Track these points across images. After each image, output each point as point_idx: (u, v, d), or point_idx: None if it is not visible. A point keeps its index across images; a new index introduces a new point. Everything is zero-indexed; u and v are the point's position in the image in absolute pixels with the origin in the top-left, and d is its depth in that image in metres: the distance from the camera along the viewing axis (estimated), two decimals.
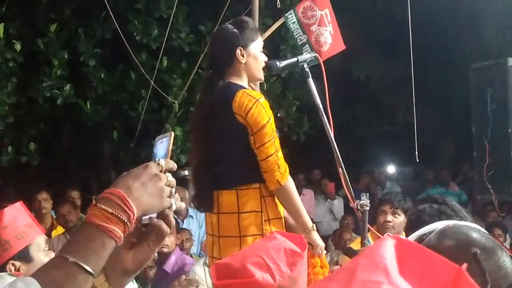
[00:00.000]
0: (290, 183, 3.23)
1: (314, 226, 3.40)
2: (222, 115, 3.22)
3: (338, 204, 9.20)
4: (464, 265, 0.85)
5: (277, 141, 3.21)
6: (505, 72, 5.07)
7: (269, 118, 3.16)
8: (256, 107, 3.14)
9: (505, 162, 5.09)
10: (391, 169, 11.90)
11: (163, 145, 1.51)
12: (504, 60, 5.12)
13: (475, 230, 1.48)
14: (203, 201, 3.37)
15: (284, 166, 3.20)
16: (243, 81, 3.31)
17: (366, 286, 0.81)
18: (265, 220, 3.22)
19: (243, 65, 3.29)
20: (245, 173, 3.24)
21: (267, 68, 3.36)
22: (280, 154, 3.20)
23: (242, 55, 3.27)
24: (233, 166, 3.26)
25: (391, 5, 8.32)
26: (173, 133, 1.52)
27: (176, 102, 7.52)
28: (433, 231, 1.53)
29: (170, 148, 1.51)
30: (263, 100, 3.19)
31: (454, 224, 1.51)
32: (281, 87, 7.92)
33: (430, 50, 9.86)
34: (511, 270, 1.42)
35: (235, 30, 3.29)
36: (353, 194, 3.19)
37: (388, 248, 0.86)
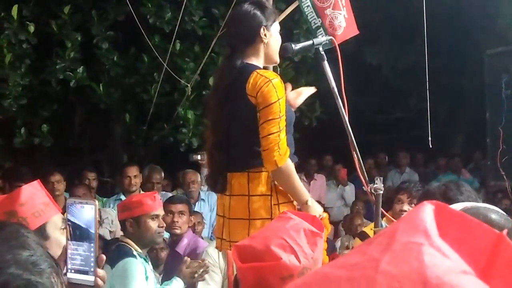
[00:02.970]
0: (288, 166, 3.19)
1: (311, 200, 3.32)
2: (236, 96, 3.23)
3: (349, 190, 9.20)
4: (505, 231, 0.85)
5: (283, 123, 3.17)
6: None
7: (279, 98, 3.14)
8: (267, 86, 3.13)
9: None
10: (402, 156, 11.86)
11: (84, 214, 1.50)
12: None
13: (494, 212, 1.48)
14: (217, 183, 3.38)
15: (284, 148, 3.16)
16: (259, 62, 3.31)
17: (407, 247, 0.82)
18: (274, 204, 3.22)
19: (264, 45, 3.29)
20: (257, 156, 3.22)
21: (282, 51, 3.36)
22: (283, 135, 3.16)
23: (265, 35, 3.28)
24: (245, 149, 3.26)
25: None
26: (97, 203, 1.52)
27: (188, 85, 7.52)
28: None
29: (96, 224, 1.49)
30: (276, 80, 3.17)
31: (472, 206, 1.51)
32: (294, 72, 7.90)
33: (444, 36, 9.78)
34: None
35: (257, 10, 3.29)
36: (367, 178, 3.19)
37: (427, 212, 0.86)
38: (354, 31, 5.31)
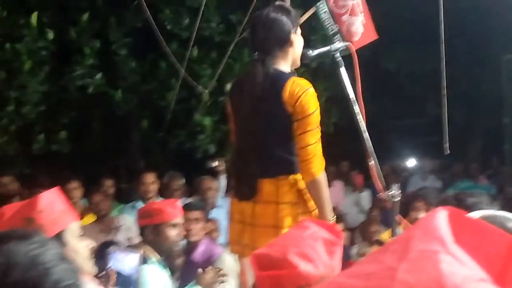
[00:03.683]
0: (323, 177, 3.25)
1: (334, 218, 3.38)
2: (271, 103, 3.24)
3: (365, 196, 9.17)
4: None
5: (319, 133, 3.23)
6: None
7: (316, 109, 3.20)
8: (305, 95, 3.17)
9: None
10: (419, 161, 11.83)
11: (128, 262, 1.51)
12: None
13: (511, 220, 1.47)
14: (247, 189, 3.35)
15: (321, 159, 3.22)
16: (288, 66, 3.34)
17: (424, 255, 0.82)
18: (301, 213, 3.24)
19: (292, 49, 3.32)
20: (287, 163, 3.25)
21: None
22: (319, 146, 3.22)
23: (293, 39, 3.31)
24: (276, 156, 3.28)
25: None
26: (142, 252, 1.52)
27: (205, 91, 7.54)
28: None
29: None
30: (312, 90, 3.22)
31: (490, 214, 1.51)
32: (311, 78, 7.89)
33: (462, 41, 9.74)
34: None
35: (285, 15, 3.33)
36: (384, 184, 3.19)
37: (441, 219, 0.86)
38: (373, 36, 5.31)
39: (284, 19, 3.32)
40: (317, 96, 3.28)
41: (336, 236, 1.72)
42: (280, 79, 3.23)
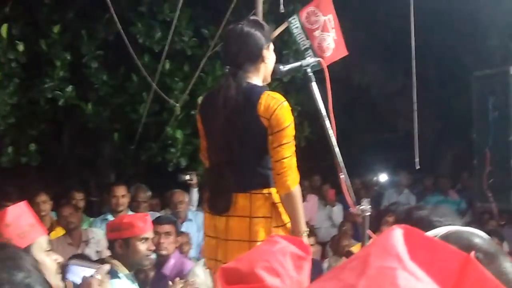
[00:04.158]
0: (298, 190, 3.24)
1: (306, 233, 3.36)
2: (246, 117, 3.23)
3: (337, 211, 9.20)
4: (472, 253, 0.88)
5: (294, 147, 3.23)
6: (507, 80, 5.09)
7: (291, 122, 3.20)
8: (281, 108, 3.17)
9: (505, 171, 5.10)
10: (390, 176, 11.94)
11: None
12: (506, 68, 5.14)
13: (477, 236, 1.49)
14: (221, 203, 3.33)
15: (296, 173, 3.21)
16: (260, 81, 3.34)
17: (382, 272, 0.84)
18: (274, 227, 3.23)
19: (265, 65, 3.32)
20: (262, 177, 3.24)
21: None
22: (294, 159, 3.21)
23: (266, 55, 3.32)
24: (251, 169, 3.27)
25: (394, 12, 8.34)
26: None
27: (177, 105, 7.52)
28: (436, 236, 1.53)
29: None
30: (286, 103, 3.23)
31: (456, 230, 1.52)
32: (283, 92, 7.92)
33: (432, 57, 9.87)
34: None
35: (258, 30, 3.33)
36: (354, 199, 3.20)
37: (397, 237, 0.88)
38: (343, 52, 5.36)
39: (258, 34, 3.32)
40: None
41: (304, 251, 1.72)
42: (254, 92, 3.23)
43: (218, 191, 3.36)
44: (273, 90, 3.43)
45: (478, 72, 5.63)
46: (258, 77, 3.34)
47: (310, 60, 3.45)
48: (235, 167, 3.28)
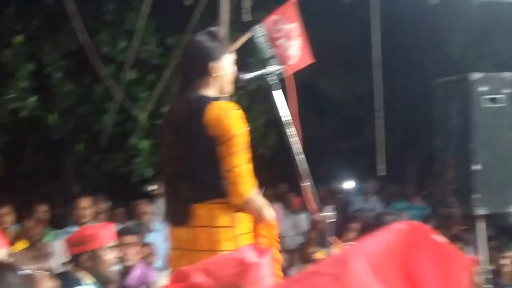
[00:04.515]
0: (255, 195, 3.20)
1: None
2: (193, 128, 3.20)
3: (303, 218, 9.20)
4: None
5: (247, 155, 3.18)
6: (468, 87, 5.15)
7: (242, 130, 3.15)
8: (228, 117, 3.13)
9: (467, 176, 5.15)
10: (357, 183, 12.00)
11: None
12: (467, 75, 5.20)
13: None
14: (179, 215, 3.30)
15: (250, 180, 3.17)
16: (213, 93, 3.30)
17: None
18: (237, 235, 3.20)
19: (214, 78, 3.28)
20: (216, 187, 3.19)
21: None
22: (247, 167, 3.16)
23: (214, 69, 3.27)
24: (204, 180, 3.23)
25: (359, 20, 8.41)
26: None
27: (142, 114, 7.48)
28: None
29: None
30: (236, 111, 3.17)
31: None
32: (249, 100, 7.93)
33: (395, 65, 9.97)
34: None
35: (208, 42, 3.28)
36: (319, 207, 3.21)
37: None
38: (309, 60, 5.39)
39: (204, 48, 3.28)
40: (255, 119, 3.29)
41: (260, 256, 1.79)
42: (201, 103, 3.20)
43: (174, 203, 3.35)
44: (238, 98, 3.43)
45: (440, 79, 5.69)
46: (210, 89, 3.30)
47: (273, 68, 3.44)
48: (188, 179, 3.25)
